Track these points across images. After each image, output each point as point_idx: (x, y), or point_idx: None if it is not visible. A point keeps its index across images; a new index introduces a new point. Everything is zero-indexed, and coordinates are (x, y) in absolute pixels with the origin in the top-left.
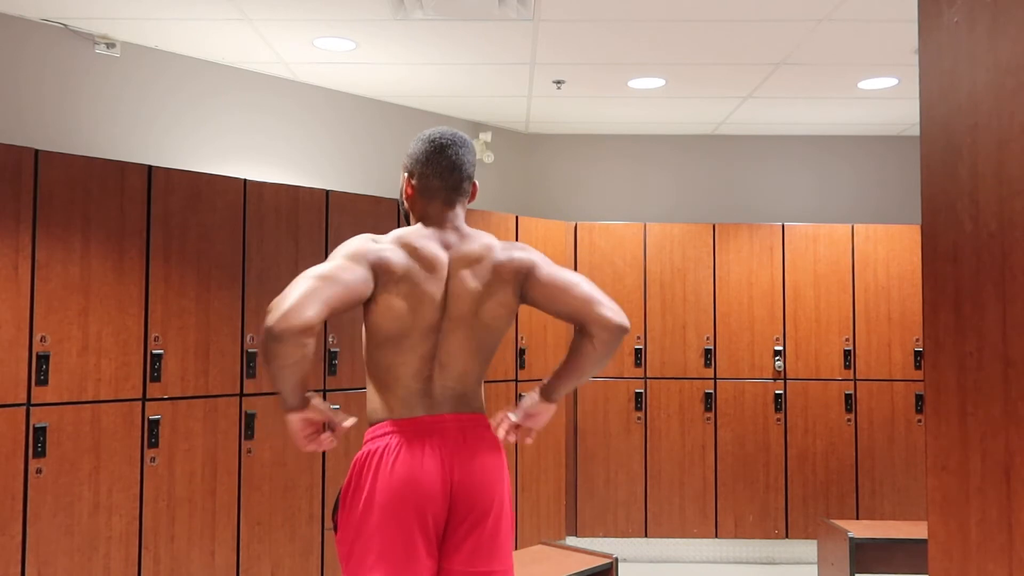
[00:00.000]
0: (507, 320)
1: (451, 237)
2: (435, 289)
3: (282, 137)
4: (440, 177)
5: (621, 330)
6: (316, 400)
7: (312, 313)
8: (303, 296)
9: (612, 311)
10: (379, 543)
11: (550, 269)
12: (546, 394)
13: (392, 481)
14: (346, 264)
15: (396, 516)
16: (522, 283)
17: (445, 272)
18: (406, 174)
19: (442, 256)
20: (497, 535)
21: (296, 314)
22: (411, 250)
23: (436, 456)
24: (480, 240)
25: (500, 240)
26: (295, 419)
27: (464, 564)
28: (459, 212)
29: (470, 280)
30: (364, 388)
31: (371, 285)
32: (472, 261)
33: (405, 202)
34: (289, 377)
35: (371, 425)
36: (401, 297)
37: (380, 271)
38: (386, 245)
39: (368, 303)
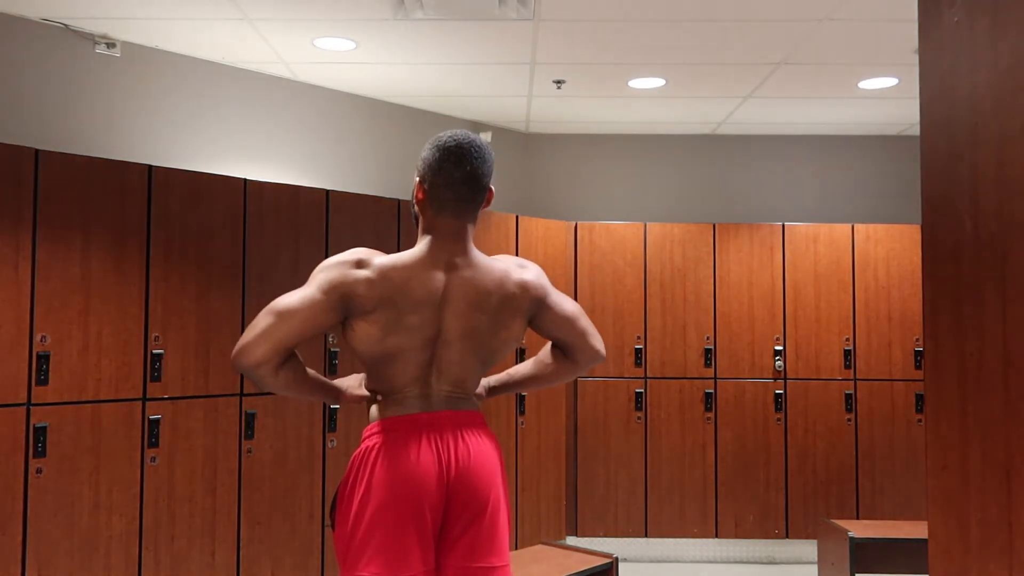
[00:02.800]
0: (514, 344)
1: (457, 259)
2: (424, 318)
3: (282, 137)
4: (452, 188)
5: (601, 360)
6: (349, 391)
7: (260, 353)
8: (257, 335)
9: (600, 343)
10: (375, 539)
11: (558, 300)
12: (492, 393)
13: (388, 477)
14: (313, 297)
15: (392, 512)
16: (533, 313)
17: (440, 298)
18: (418, 179)
19: (438, 284)
20: (494, 530)
21: (247, 353)
22: (398, 283)
23: (432, 452)
24: (491, 272)
25: (502, 257)
26: (347, 404)
27: (462, 560)
28: (469, 227)
29: (475, 311)
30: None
31: (335, 317)
32: (480, 292)
33: (415, 206)
34: (298, 394)
35: (369, 422)
36: (376, 326)
37: (350, 303)
38: (366, 275)
39: (345, 328)
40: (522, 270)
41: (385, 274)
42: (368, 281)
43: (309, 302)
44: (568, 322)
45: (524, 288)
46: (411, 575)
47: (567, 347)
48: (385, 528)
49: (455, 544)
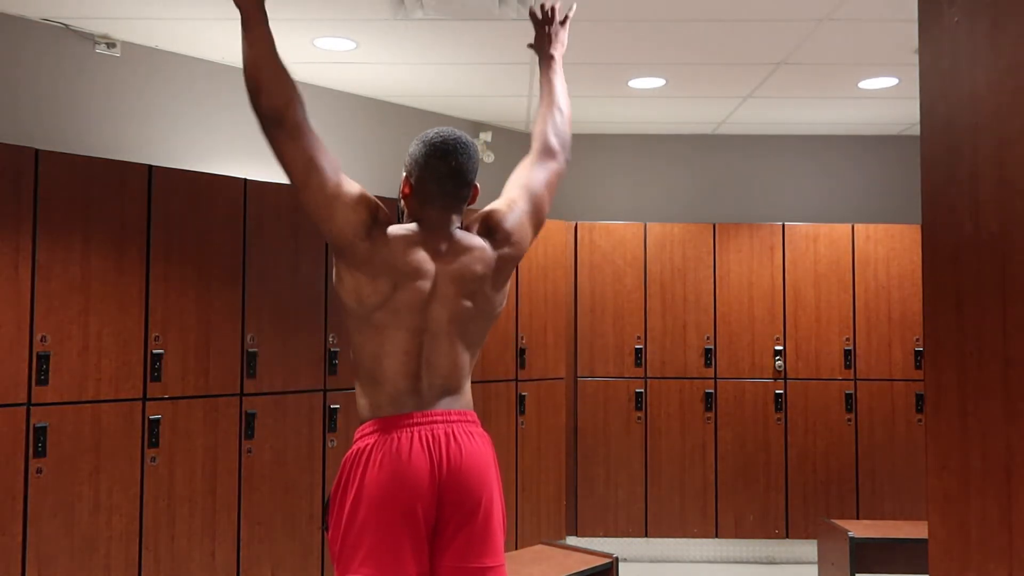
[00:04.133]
0: (502, 302)
1: (442, 246)
2: (413, 300)
3: None
4: (438, 183)
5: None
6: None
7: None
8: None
9: (567, 156)
10: (368, 540)
11: (506, 213)
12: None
13: (380, 477)
14: (348, 186)
15: (385, 512)
16: (515, 261)
17: (429, 282)
18: (405, 174)
19: (428, 266)
20: (488, 530)
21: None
22: (397, 252)
23: (424, 451)
24: (473, 250)
25: (476, 221)
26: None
27: (456, 560)
28: (454, 219)
29: (465, 291)
30: None
31: (352, 209)
32: (465, 274)
33: (402, 200)
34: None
35: (360, 424)
36: (371, 285)
37: (346, 228)
38: (373, 219)
39: (336, 278)
40: (490, 248)
41: (394, 236)
42: (374, 238)
43: (346, 183)
44: (541, 208)
45: (499, 264)
46: (404, 575)
47: (552, 169)
48: (377, 529)
49: (449, 545)
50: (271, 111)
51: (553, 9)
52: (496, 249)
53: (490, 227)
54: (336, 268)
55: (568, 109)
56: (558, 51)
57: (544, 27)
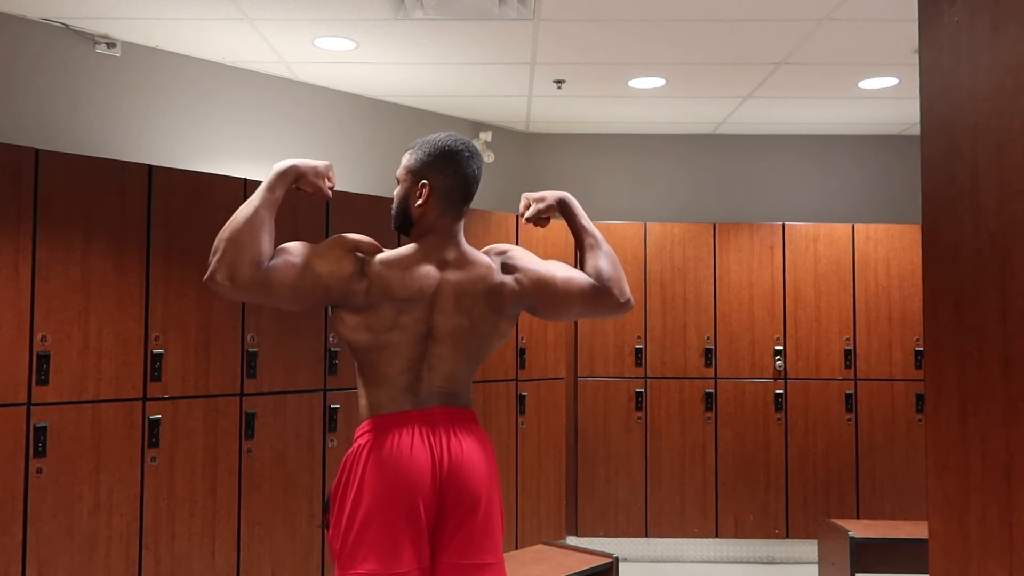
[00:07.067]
0: (502, 336)
1: (450, 255)
2: (416, 316)
3: (282, 137)
4: (462, 189)
5: (624, 308)
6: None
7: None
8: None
9: (619, 290)
10: (370, 536)
11: (535, 267)
12: (565, 208)
13: (381, 472)
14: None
15: (386, 507)
16: (517, 304)
17: (432, 293)
18: (422, 182)
19: (432, 279)
20: (488, 526)
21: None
22: (395, 282)
23: (424, 447)
24: (477, 267)
25: (490, 248)
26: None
27: (456, 556)
28: (461, 224)
29: (461, 306)
30: None
31: (326, 284)
32: (466, 288)
33: (414, 209)
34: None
35: (361, 422)
36: (371, 319)
37: (343, 295)
38: (360, 269)
39: (335, 319)
40: (497, 273)
41: (389, 266)
42: (364, 278)
43: (326, 257)
44: (559, 293)
45: (502, 281)
46: (405, 571)
47: (593, 304)
48: (379, 524)
49: (450, 540)
50: (223, 279)
51: (535, 215)
52: (503, 274)
53: (504, 258)
54: (336, 314)
55: (610, 250)
56: (559, 194)
57: (543, 220)
